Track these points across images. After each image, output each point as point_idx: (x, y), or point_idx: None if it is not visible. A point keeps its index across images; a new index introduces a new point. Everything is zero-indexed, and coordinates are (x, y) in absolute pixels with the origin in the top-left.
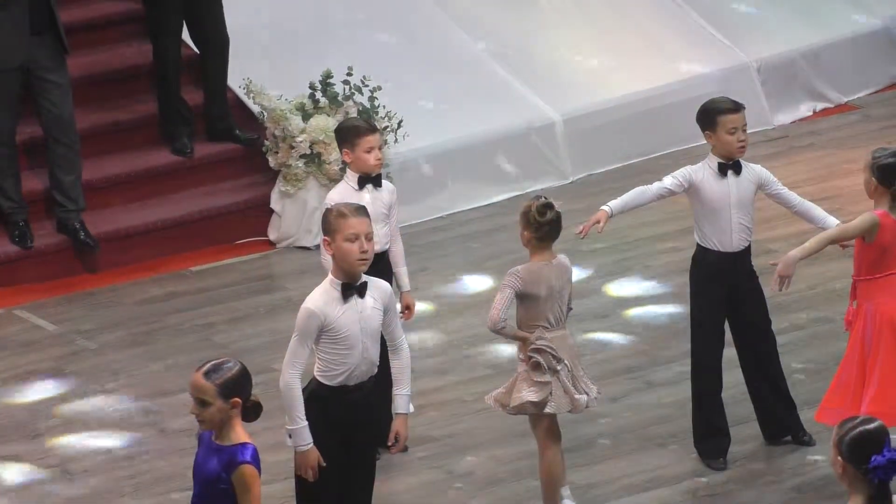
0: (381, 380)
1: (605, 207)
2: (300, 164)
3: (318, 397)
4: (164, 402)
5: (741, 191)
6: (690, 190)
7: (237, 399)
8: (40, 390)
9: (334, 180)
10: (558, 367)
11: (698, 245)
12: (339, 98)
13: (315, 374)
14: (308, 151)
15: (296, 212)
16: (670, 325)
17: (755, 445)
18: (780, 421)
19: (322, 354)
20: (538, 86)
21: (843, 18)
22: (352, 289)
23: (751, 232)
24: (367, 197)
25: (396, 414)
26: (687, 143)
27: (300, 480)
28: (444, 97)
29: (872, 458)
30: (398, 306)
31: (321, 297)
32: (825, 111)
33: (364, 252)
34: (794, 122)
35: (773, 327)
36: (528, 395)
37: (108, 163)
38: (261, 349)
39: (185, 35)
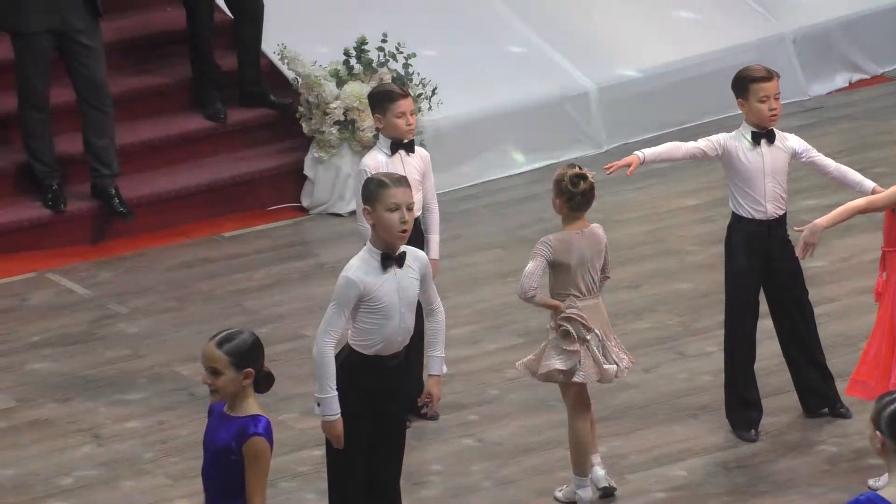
0: (410, 347)
1: (638, 153)
2: (334, 131)
3: (351, 365)
4: (194, 368)
5: (775, 160)
6: (724, 157)
7: (250, 370)
8: (72, 353)
9: (367, 147)
10: (588, 337)
11: (733, 213)
12: (374, 65)
13: (350, 342)
14: (342, 118)
15: (329, 178)
16: (703, 296)
17: (789, 417)
18: (818, 392)
19: (359, 324)
20: (573, 54)
21: None
22: (391, 259)
23: (785, 200)
24: (399, 163)
25: (430, 375)
26: (722, 112)
27: (331, 448)
28: (478, 65)
29: None
30: None
31: (360, 266)
32: (860, 82)
33: (405, 223)
34: (829, 93)
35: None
36: (557, 363)
37: (141, 127)
38: (292, 315)
39: (220, 0)
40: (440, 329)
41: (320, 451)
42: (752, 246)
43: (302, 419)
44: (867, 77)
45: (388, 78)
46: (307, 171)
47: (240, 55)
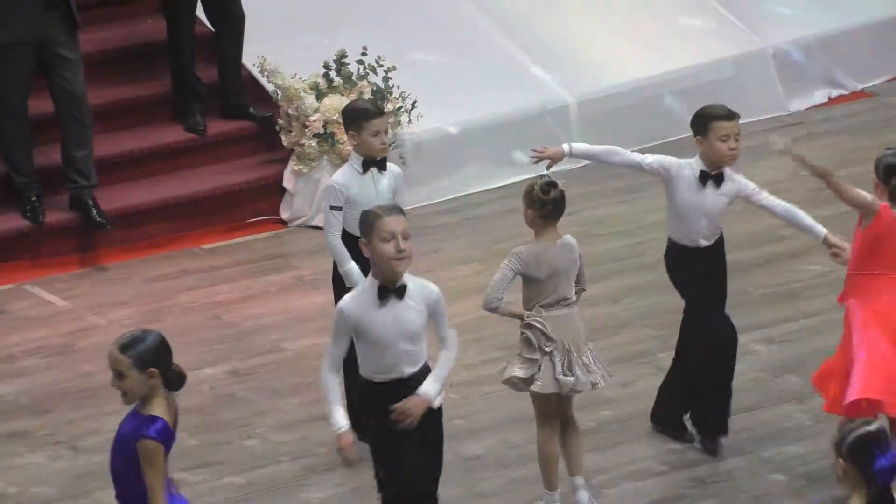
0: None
1: (565, 146)
2: (313, 144)
3: (368, 393)
4: None
5: (714, 203)
6: (665, 181)
7: (153, 370)
8: (50, 365)
9: (347, 160)
10: (547, 347)
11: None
12: (354, 78)
13: (360, 371)
14: (321, 131)
15: (308, 191)
16: (682, 311)
17: (764, 433)
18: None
19: (360, 351)
20: (552, 68)
21: (858, 5)
22: (389, 292)
23: (719, 229)
24: (370, 180)
25: (416, 393)
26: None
27: (378, 468)
28: (458, 78)
29: (876, 462)
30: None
31: (357, 297)
32: (840, 98)
33: (401, 251)
34: (809, 108)
35: (786, 314)
36: (517, 370)
37: (121, 139)
38: (271, 328)
39: (201, 12)
40: (447, 359)
41: (296, 464)
42: (686, 262)
43: (278, 432)
44: (847, 92)
45: (367, 91)
46: (287, 183)
47: (220, 68)
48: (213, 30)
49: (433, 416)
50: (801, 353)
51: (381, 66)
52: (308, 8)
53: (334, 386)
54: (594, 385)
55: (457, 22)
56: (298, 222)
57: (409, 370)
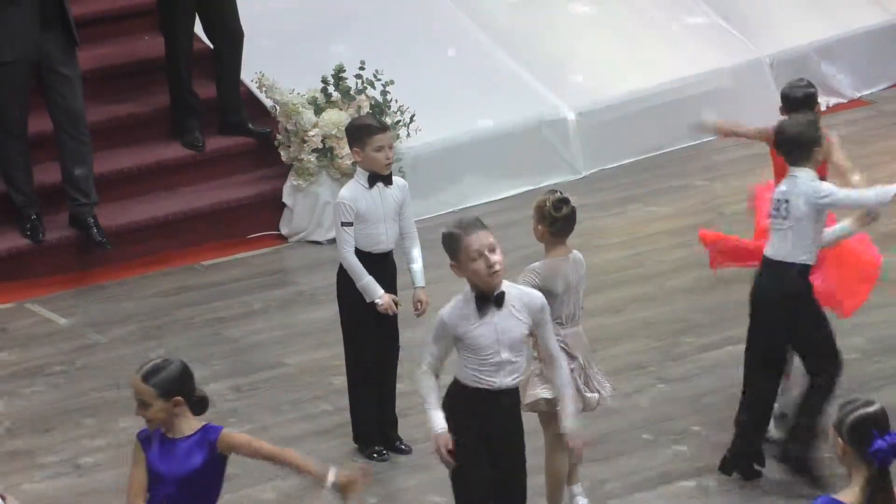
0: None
1: None
2: (312, 159)
3: (457, 397)
4: None
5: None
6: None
7: (178, 398)
8: (51, 383)
9: (346, 174)
10: (571, 366)
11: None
12: (352, 92)
13: (455, 374)
14: (320, 146)
15: (308, 206)
16: (683, 321)
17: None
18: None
19: (461, 359)
20: (551, 80)
21: (855, 13)
22: (487, 301)
23: None
24: (377, 195)
25: (564, 434)
26: (699, 138)
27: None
28: (456, 92)
29: (874, 442)
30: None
31: (456, 306)
32: (838, 106)
33: (491, 266)
34: None
35: None
36: (543, 391)
37: (119, 156)
38: (272, 344)
39: (199, 29)
40: (562, 383)
41: (291, 482)
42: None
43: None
44: (844, 101)
45: (366, 105)
46: (286, 198)
47: (219, 84)
48: (211, 46)
49: (514, 444)
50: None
51: (380, 80)
52: (306, 23)
53: (432, 388)
54: (607, 398)
55: (454, 36)
56: (298, 237)
57: (507, 382)
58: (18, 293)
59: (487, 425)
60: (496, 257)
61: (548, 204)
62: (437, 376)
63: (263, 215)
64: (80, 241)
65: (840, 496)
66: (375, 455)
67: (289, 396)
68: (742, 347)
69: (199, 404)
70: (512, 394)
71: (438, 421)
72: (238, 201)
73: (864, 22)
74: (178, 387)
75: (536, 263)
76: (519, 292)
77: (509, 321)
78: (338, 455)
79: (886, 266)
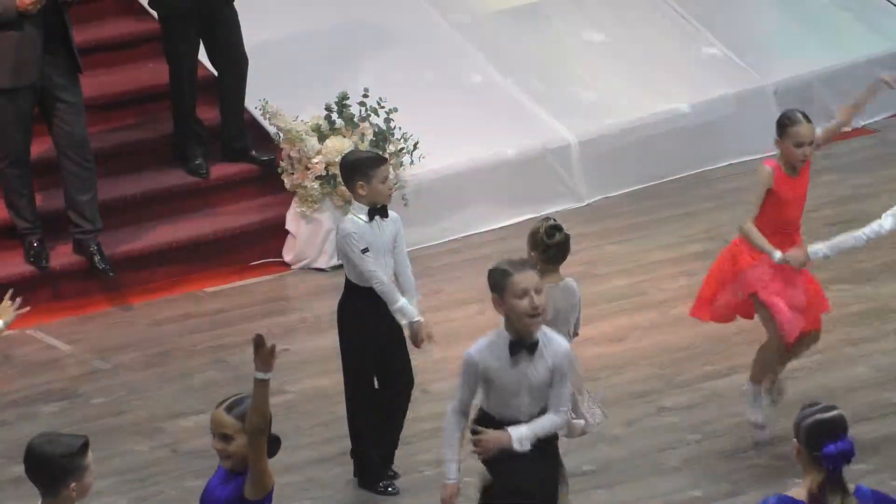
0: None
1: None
2: (316, 186)
3: (481, 422)
4: (177, 424)
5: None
6: None
7: None
8: (54, 410)
9: (349, 202)
10: None
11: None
12: (355, 119)
13: (480, 403)
14: (324, 173)
15: (311, 233)
16: (685, 349)
17: (767, 469)
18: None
19: (484, 392)
20: (554, 108)
21: (859, 41)
22: (521, 347)
23: None
24: (376, 228)
25: (506, 428)
26: (702, 166)
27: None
28: (459, 119)
29: (825, 447)
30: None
31: (487, 346)
32: (842, 135)
33: (535, 308)
34: None
35: None
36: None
37: (123, 183)
38: (275, 371)
39: (203, 55)
40: (549, 420)
41: None
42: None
43: (282, 475)
44: (849, 129)
45: (369, 132)
46: (289, 225)
47: (223, 111)
48: (215, 73)
49: (539, 471)
50: (806, 390)
51: (383, 107)
52: (309, 50)
53: (455, 436)
54: (596, 426)
55: (458, 63)
56: (301, 264)
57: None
58: (21, 320)
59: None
60: (540, 300)
61: (541, 231)
62: (465, 416)
63: (267, 242)
64: (84, 267)
65: (791, 493)
66: (381, 489)
67: (291, 424)
68: (746, 376)
69: (273, 444)
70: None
71: (451, 471)
72: (241, 228)
73: (868, 50)
74: None
75: None
76: (547, 339)
77: (537, 368)
78: (341, 483)
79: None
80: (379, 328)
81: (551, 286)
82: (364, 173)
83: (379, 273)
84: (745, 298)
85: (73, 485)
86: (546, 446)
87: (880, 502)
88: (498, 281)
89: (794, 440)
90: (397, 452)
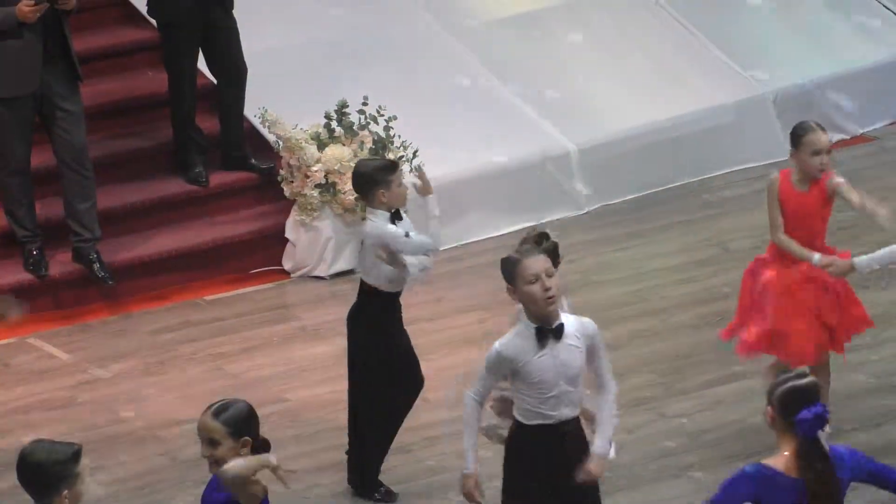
0: None
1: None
2: (315, 194)
3: (518, 440)
4: (176, 432)
5: None
6: None
7: (247, 438)
8: (53, 419)
9: (349, 210)
10: None
11: None
12: (355, 128)
13: (514, 413)
14: (323, 181)
15: (311, 241)
16: (685, 357)
17: None
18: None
19: (518, 394)
20: (553, 115)
21: (858, 49)
22: (547, 333)
23: None
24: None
25: (592, 452)
26: (702, 174)
27: None
28: (458, 127)
29: (799, 412)
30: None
31: (514, 339)
32: (841, 142)
33: (548, 290)
34: None
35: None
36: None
37: (123, 191)
38: (274, 379)
39: (202, 64)
40: (606, 405)
41: None
42: None
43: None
44: (848, 137)
45: (369, 140)
46: (289, 234)
47: (222, 119)
48: (214, 81)
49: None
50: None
51: (382, 115)
52: (309, 59)
53: (473, 424)
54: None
55: (457, 71)
56: (301, 273)
57: (568, 413)
58: (20, 328)
59: (555, 461)
60: (552, 282)
61: (530, 239)
62: (482, 406)
63: (266, 250)
64: (83, 275)
65: (769, 461)
66: (378, 497)
67: (290, 432)
68: (746, 383)
69: (261, 449)
70: (573, 422)
71: (469, 461)
72: (241, 236)
73: (868, 58)
74: (247, 426)
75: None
76: (573, 321)
77: (568, 353)
78: (341, 490)
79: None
80: (392, 334)
81: None
82: (383, 181)
83: (426, 237)
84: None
85: (65, 492)
86: (577, 425)
87: (855, 459)
88: (509, 270)
89: (768, 407)
90: (396, 459)
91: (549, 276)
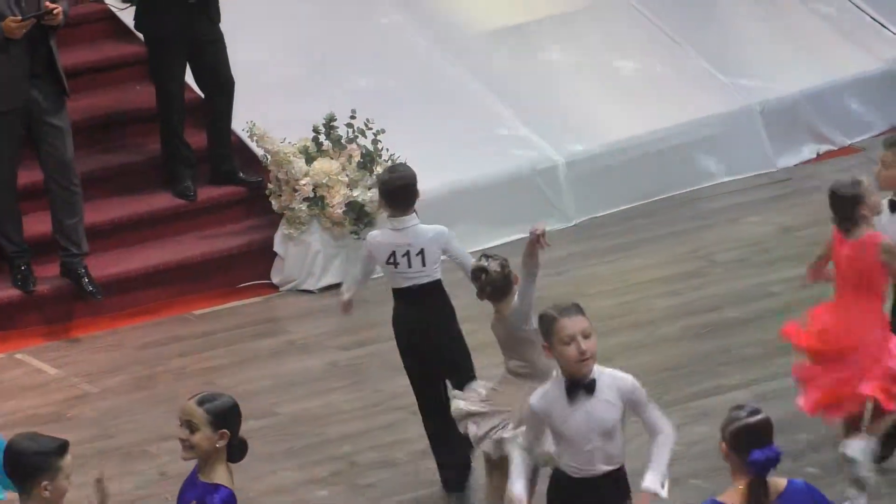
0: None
1: None
2: (303, 207)
3: (559, 489)
4: (166, 447)
5: None
6: None
7: (225, 431)
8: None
9: (337, 223)
10: None
11: None
12: (343, 141)
13: (558, 461)
14: (311, 194)
15: (299, 255)
16: (672, 369)
17: None
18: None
19: (556, 448)
20: (541, 128)
21: (846, 61)
22: (578, 388)
23: None
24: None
25: (642, 486)
26: (690, 185)
27: None
28: (446, 140)
29: (751, 453)
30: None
31: (546, 393)
32: (829, 153)
33: (583, 353)
34: (797, 164)
35: (775, 370)
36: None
37: (111, 206)
38: (263, 393)
39: (190, 78)
40: (658, 445)
41: None
42: None
43: (274, 496)
44: (835, 148)
45: (357, 154)
46: (277, 247)
47: (210, 133)
48: (202, 95)
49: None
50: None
51: (370, 129)
52: (296, 72)
53: (521, 460)
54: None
55: (445, 84)
56: (289, 286)
57: (605, 468)
58: (9, 344)
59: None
60: (588, 344)
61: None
62: (531, 453)
63: (255, 264)
64: (71, 291)
65: (723, 497)
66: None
67: (281, 446)
68: (732, 395)
69: (238, 448)
70: (613, 474)
71: (517, 485)
72: (229, 250)
73: (854, 69)
74: (228, 419)
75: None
76: (608, 377)
77: (602, 408)
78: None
79: None
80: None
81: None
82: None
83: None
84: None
85: (44, 483)
86: (619, 478)
87: (810, 496)
88: (546, 327)
89: (721, 443)
90: (384, 473)
91: (586, 336)
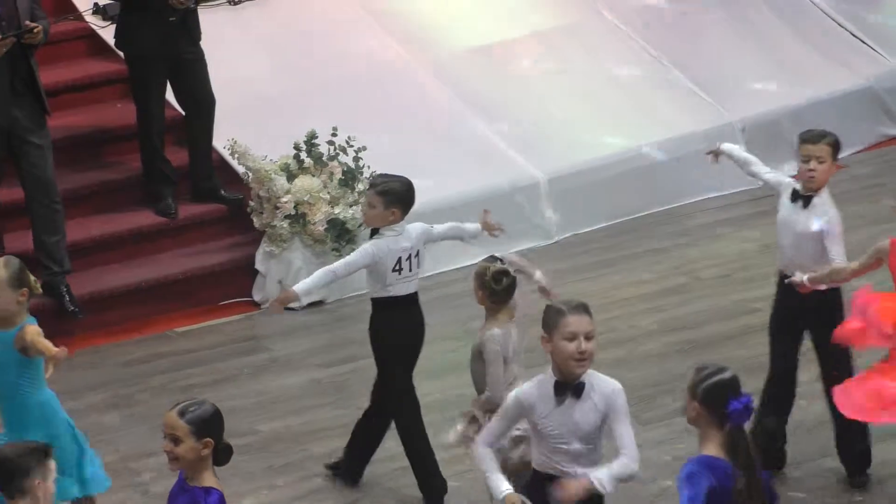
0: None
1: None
2: (285, 225)
3: (534, 488)
4: (147, 464)
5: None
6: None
7: (209, 439)
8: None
9: (319, 241)
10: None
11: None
12: (324, 158)
13: (533, 463)
14: (293, 212)
15: (281, 272)
16: (654, 386)
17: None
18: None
19: (534, 444)
20: (522, 145)
21: (827, 78)
22: (566, 389)
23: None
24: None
25: (586, 474)
26: (671, 202)
27: None
28: (428, 157)
29: (729, 404)
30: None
31: (534, 387)
32: None
33: (582, 353)
34: None
35: (759, 386)
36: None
37: (92, 224)
38: (245, 410)
39: (171, 96)
40: (623, 463)
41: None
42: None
43: None
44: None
45: (338, 171)
46: (259, 265)
47: (191, 150)
48: (183, 113)
49: None
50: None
51: (352, 146)
52: (277, 90)
53: (488, 456)
54: None
55: (426, 101)
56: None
57: (582, 472)
58: None
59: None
60: (588, 346)
61: (488, 275)
62: (491, 447)
63: (236, 282)
64: (52, 308)
65: (707, 451)
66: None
67: (264, 463)
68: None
69: (223, 453)
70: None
71: (500, 485)
72: (211, 268)
73: (836, 86)
74: (210, 428)
75: (495, 331)
76: (600, 381)
77: (585, 411)
78: None
79: None
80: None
81: (510, 324)
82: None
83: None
84: None
85: (37, 481)
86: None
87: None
88: (551, 319)
89: (693, 403)
90: (364, 490)
91: (588, 338)
